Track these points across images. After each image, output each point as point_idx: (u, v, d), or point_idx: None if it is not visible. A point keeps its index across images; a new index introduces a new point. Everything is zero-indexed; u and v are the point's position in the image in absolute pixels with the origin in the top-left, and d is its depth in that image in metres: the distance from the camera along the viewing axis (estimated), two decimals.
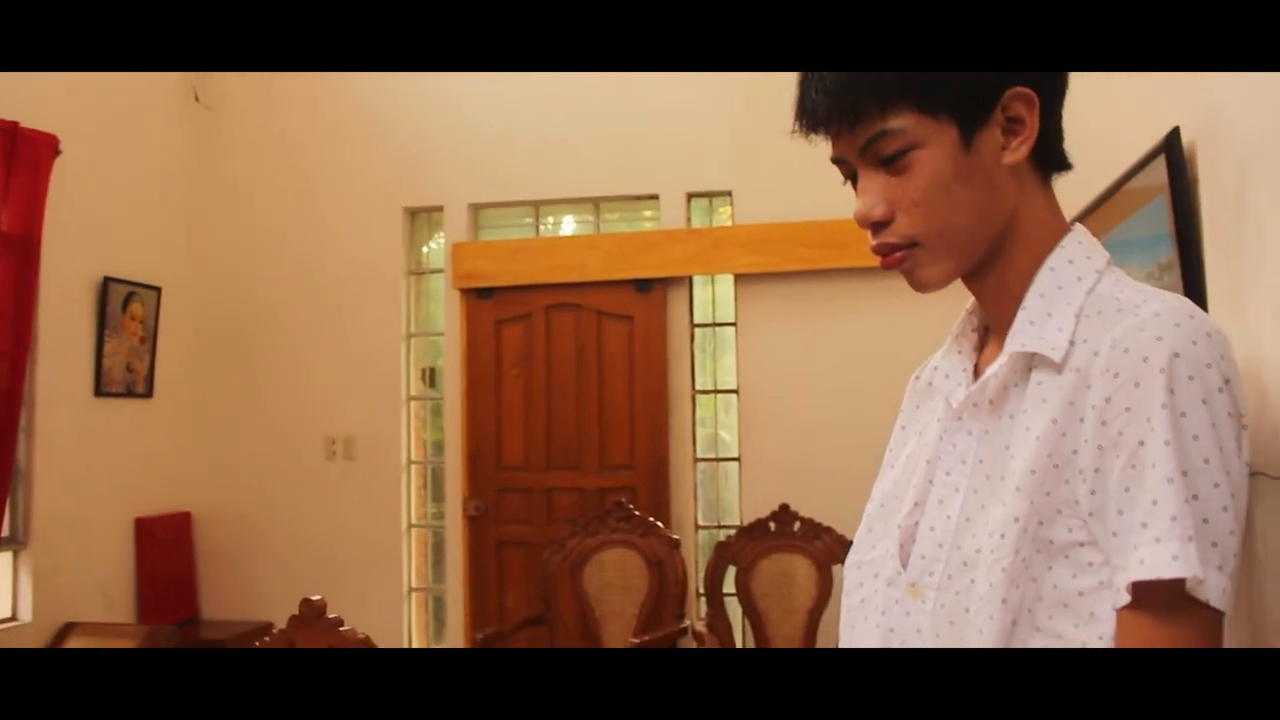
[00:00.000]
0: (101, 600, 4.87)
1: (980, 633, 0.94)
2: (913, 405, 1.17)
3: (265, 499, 5.41)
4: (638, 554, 4.35)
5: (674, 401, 5.01)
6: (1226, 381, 0.89)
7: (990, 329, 1.09)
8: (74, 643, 4.54)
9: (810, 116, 1.04)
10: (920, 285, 1.05)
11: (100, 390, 4.92)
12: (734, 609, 4.42)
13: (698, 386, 5.09)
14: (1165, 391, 0.88)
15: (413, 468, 5.38)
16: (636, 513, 4.43)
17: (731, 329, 5.05)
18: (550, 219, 5.46)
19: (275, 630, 2.13)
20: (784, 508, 4.36)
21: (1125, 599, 0.88)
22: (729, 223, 5.08)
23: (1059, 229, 1.05)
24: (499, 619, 4.93)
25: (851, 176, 1.06)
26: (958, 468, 1.02)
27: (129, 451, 5.10)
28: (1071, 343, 0.96)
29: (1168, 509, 0.86)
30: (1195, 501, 0.86)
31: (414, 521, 5.38)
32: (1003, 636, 0.93)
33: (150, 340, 5.22)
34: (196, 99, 5.52)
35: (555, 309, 5.11)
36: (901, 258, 1.03)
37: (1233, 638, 1.13)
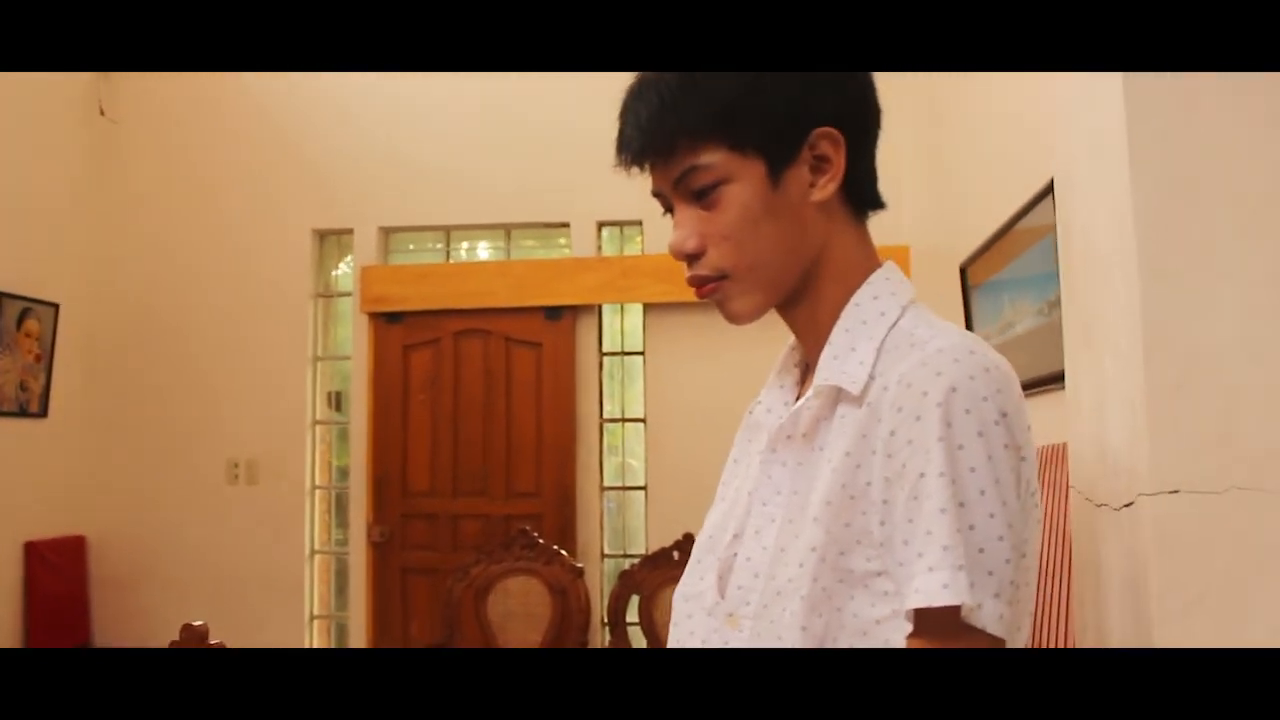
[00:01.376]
0: None
1: None
2: (745, 439, 1.20)
3: (164, 523, 5.29)
4: (541, 582, 4.33)
5: (582, 429, 5.02)
6: (1003, 415, 0.93)
7: (811, 364, 1.12)
8: None
9: (626, 151, 1.07)
10: (731, 317, 1.09)
11: None
12: (637, 638, 4.42)
13: (606, 415, 5.11)
14: (942, 425, 0.92)
15: (317, 492, 5.31)
16: (540, 540, 4.41)
17: (640, 358, 5.08)
18: (465, 244, 5.45)
19: None
20: (687, 537, 4.38)
21: (910, 627, 0.92)
22: (640, 252, 5.12)
23: (869, 265, 1.09)
24: (402, 646, 4.88)
25: (669, 209, 1.09)
26: (774, 499, 1.05)
27: (20, 472, 4.96)
28: (872, 377, 1.00)
29: (940, 539, 0.90)
30: (971, 531, 0.90)
31: (317, 547, 5.30)
32: None
33: (46, 358, 5.09)
34: (102, 112, 5.42)
35: (464, 335, 5.10)
36: (713, 289, 1.07)
37: None
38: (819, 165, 1.05)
